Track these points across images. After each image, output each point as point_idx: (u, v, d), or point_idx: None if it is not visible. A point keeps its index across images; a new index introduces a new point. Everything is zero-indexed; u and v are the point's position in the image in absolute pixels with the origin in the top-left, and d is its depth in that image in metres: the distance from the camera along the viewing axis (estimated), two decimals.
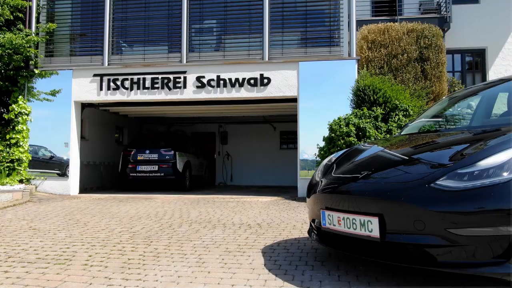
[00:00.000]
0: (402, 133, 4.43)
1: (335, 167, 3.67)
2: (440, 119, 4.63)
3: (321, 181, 3.52)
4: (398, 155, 3.53)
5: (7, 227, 5.52)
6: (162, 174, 11.50)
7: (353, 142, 8.24)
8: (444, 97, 5.13)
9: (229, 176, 16.59)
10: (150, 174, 11.50)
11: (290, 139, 16.24)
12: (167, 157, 11.65)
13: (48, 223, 5.89)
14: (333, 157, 4.05)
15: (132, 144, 12.42)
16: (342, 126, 8.55)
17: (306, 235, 4.56)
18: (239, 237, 4.82)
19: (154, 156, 11.61)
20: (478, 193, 2.47)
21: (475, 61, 15.76)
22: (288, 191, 11.71)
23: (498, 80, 4.51)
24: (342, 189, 3.22)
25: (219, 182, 16.60)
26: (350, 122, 8.56)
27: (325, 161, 4.06)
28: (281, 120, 15.29)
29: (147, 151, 11.68)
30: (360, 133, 8.41)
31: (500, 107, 4.19)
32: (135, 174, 11.54)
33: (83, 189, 11.44)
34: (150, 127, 16.51)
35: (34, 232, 5.13)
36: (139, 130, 16.08)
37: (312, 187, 3.62)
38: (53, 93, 10.67)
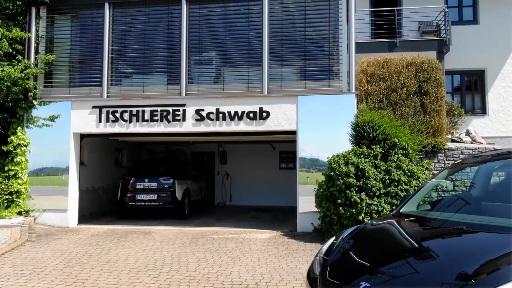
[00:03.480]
0: (402, 210, 4.37)
1: (337, 256, 3.61)
2: (444, 193, 4.62)
3: (322, 277, 3.47)
4: (408, 238, 3.52)
5: None
6: (161, 203, 11.50)
7: (352, 183, 8.23)
8: (450, 165, 5.10)
9: (229, 196, 16.57)
10: (149, 203, 11.50)
11: (290, 158, 16.21)
12: (166, 185, 11.65)
13: (47, 280, 5.88)
14: (341, 235, 4.01)
15: (131, 171, 12.38)
16: (341, 165, 8.52)
17: None
18: None
19: (153, 185, 11.61)
20: None
21: (474, 82, 15.75)
22: (287, 218, 11.70)
23: (506, 153, 4.45)
24: None
25: (218, 202, 16.59)
26: (349, 161, 8.54)
27: (330, 241, 3.99)
28: (280, 141, 15.28)
29: (146, 180, 11.68)
30: (360, 173, 8.40)
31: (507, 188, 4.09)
32: (134, 203, 11.54)
33: (82, 215, 11.42)
34: (149, 147, 16.48)
35: None
36: (138, 151, 16.04)
37: (311, 282, 3.58)
38: (52, 118, 10.66)
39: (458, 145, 9.92)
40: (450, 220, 3.75)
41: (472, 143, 11.24)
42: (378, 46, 14.04)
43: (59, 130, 10.61)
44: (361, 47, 12.80)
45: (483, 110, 15.38)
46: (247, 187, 16.32)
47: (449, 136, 11.67)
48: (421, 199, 4.66)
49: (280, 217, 12.52)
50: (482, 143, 11.32)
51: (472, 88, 15.79)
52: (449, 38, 13.93)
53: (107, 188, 13.37)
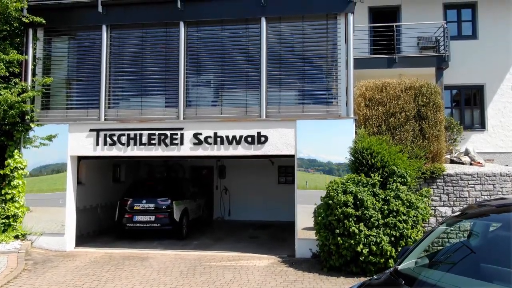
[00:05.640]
0: (400, 266, 4.33)
1: None
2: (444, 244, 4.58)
3: None
4: None
5: None
6: (159, 224, 11.43)
7: (350, 212, 8.18)
8: (450, 216, 5.02)
9: (227, 211, 16.51)
10: (147, 225, 11.42)
11: (288, 173, 16.16)
12: (163, 206, 11.59)
13: None
14: None
15: (129, 192, 12.27)
16: (339, 193, 8.47)
17: None
18: None
19: (151, 206, 11.54)
20: None
21: (473, 97, 15.71)
22: (286, 238, 11.66)
23: (510, 204, 4.37)
24: None
25: (217, 216, 16.52)
26: (348, 189, 8.48)
27: None
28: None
29: (144, 201, 11.61)
30: (358, 202, 8.34)
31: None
32: (131, 225, 11.46)
33: (80, 235, 11.36)
34: (147, 162, 16.39)
35: None
36: (136, 166, 15.96)
37: None
38: (49, 138, 10.58)
39: (457, 170, 9.87)
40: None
41: (471, 163, 11.20)
42: (377, 62, 14.02)
43: (56, 153, 10.54)
44: (360, 63, 12.78)
45: (482, 126, 15.36)
46: (246, 201, 16.26)
47: (448, 156, 11.63)
48: (421, 252, 4.62)
49: (279, 235, 12.50)
50: (481, 163, 11.26)
51: (471, 103, 15.76)
52: (448, 54, 13.91)
53: (105, 206, 13.30)
